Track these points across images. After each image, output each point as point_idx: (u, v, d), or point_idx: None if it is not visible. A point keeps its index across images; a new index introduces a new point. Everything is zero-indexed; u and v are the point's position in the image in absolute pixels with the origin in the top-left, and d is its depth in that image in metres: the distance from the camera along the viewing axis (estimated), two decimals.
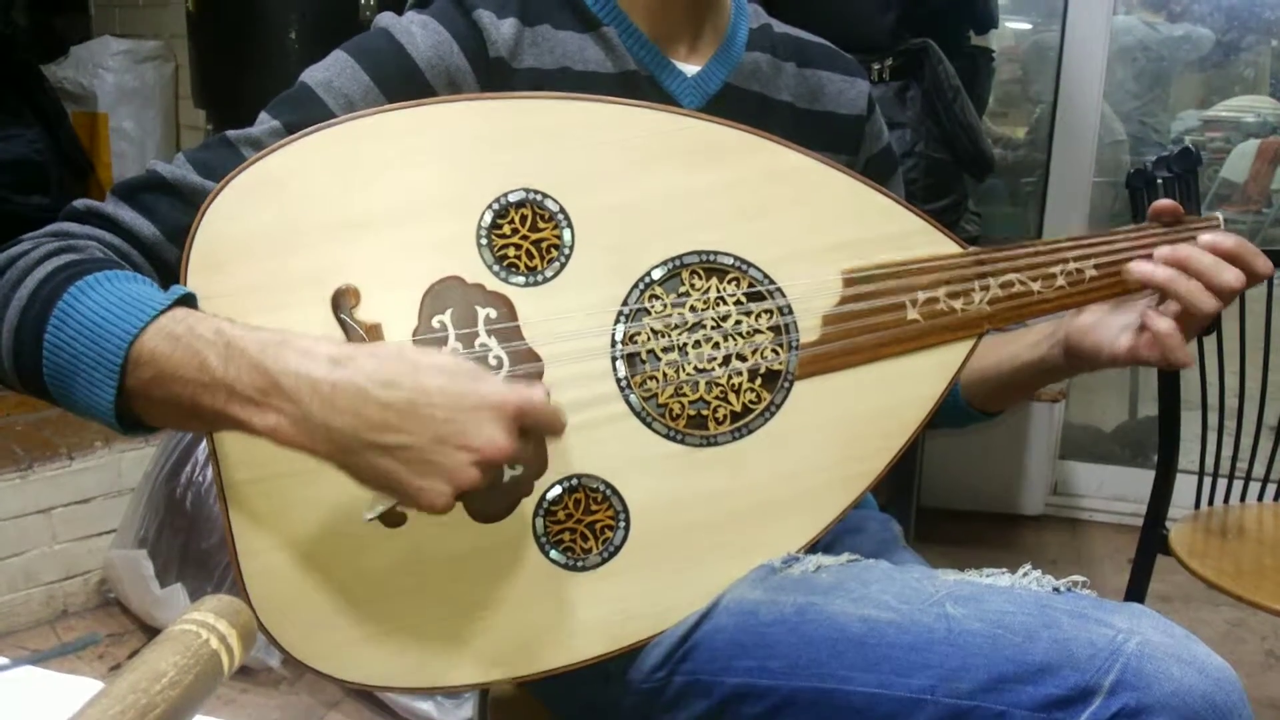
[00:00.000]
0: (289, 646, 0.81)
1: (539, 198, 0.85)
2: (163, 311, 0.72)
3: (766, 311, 0.89)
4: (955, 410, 1.06)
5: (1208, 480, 1.83)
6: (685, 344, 0.88)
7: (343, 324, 0.80)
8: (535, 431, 0.75)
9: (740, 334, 0.89)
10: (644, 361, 0.87)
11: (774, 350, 0.89)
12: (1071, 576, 0.83)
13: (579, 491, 0.85)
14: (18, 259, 0.77)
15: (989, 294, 0.92)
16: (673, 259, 0.87)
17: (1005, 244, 0.94)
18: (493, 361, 0.83)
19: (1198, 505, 1.84)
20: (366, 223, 0.81)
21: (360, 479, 0.73)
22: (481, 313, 0.83)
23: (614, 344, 0.86)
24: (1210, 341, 1.81)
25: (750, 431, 0.88)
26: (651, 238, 0.87)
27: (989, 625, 0.78)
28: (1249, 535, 1.77)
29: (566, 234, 0.85)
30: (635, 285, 0.87)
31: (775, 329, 0.89)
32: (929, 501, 2.89)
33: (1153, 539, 1.76)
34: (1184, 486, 1.80)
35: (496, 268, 0.84)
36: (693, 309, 0.88)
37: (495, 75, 0.92)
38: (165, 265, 0.82)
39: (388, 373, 0.69)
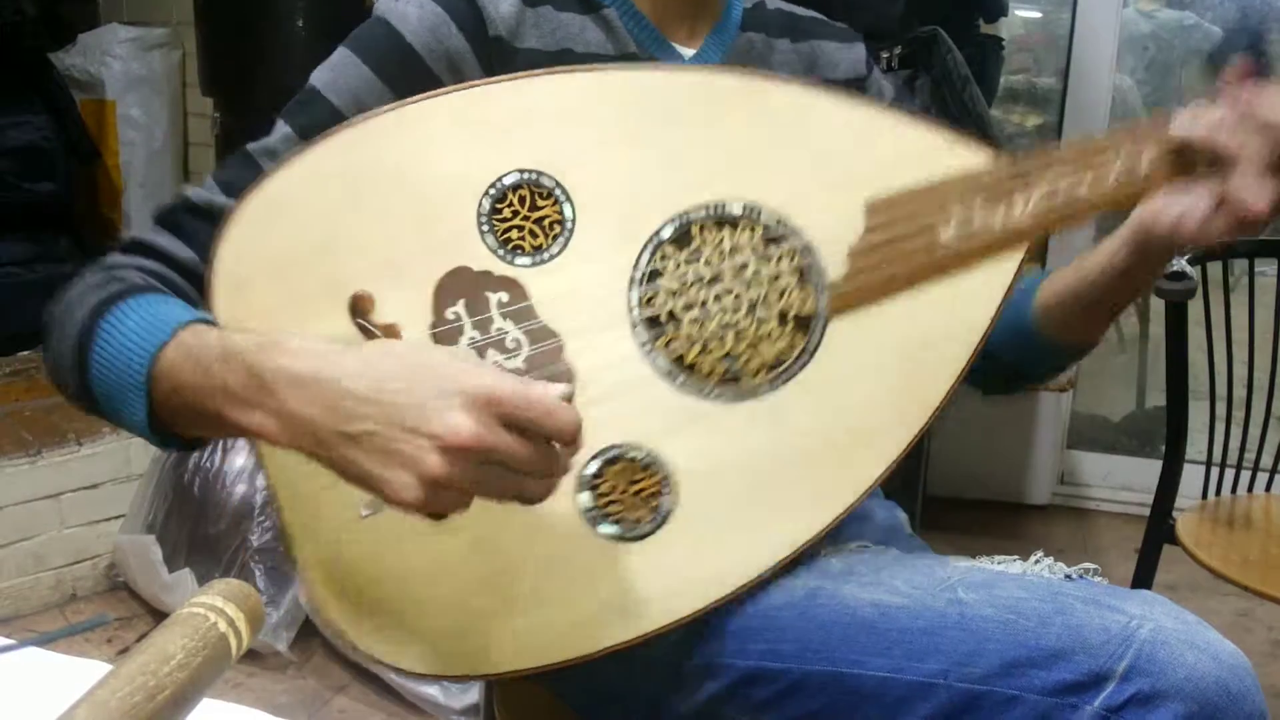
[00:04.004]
0: (357, 640, 0.81)
1: (534, 177, 0.84)
2: (182, 327, 0.74)
3: (788, 254, 0.86)
4: (1027, 340, 0.98)
5: (1215, 470, 1.83)
6: (705, 299, 0.86)
7: (361, 329, 0.80)
8: (524, 427, 0.65)
9: (762, 281, 0.86)
10: (664, 323, 0.85)
11: (801, 293, 0.86)
12: (1083, 564, 0.83)
13: (621, 462, 0.83)
14: (69, 299, 0.82)
15: (1030, 203, 0.85)
16: (679, 215, 0.86)
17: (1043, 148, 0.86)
18: (511, 344, 0.82)
19: (1205, 495, 1.83)
20: (368, 228, 0.82)
21: (340, 473, 0.69)
22: (493, 298, 0.83)
23: (630, 309, 0.85)
24: (1219, 331, 1.80)
25: (788, 379, 0.86)
26: (655, 199, 0.85)
27: (1002, 611, 0.78)
28: (1256, 525, 1.77)
29: (567, 208, 0.84)
30: (644, 248, 0.85)
31: (799, 271, 0.86)
32: (936, 490, 2.89)
33: (1160, 529, 1.75)
34: (1191, 476, 1.79)
35: (501, 251, 0.83)
36: (708, 263, 0.86)
37: (496, 55, 0.91)
38: (205, 285, 0.84)
39: (362, 364, 0.67)
